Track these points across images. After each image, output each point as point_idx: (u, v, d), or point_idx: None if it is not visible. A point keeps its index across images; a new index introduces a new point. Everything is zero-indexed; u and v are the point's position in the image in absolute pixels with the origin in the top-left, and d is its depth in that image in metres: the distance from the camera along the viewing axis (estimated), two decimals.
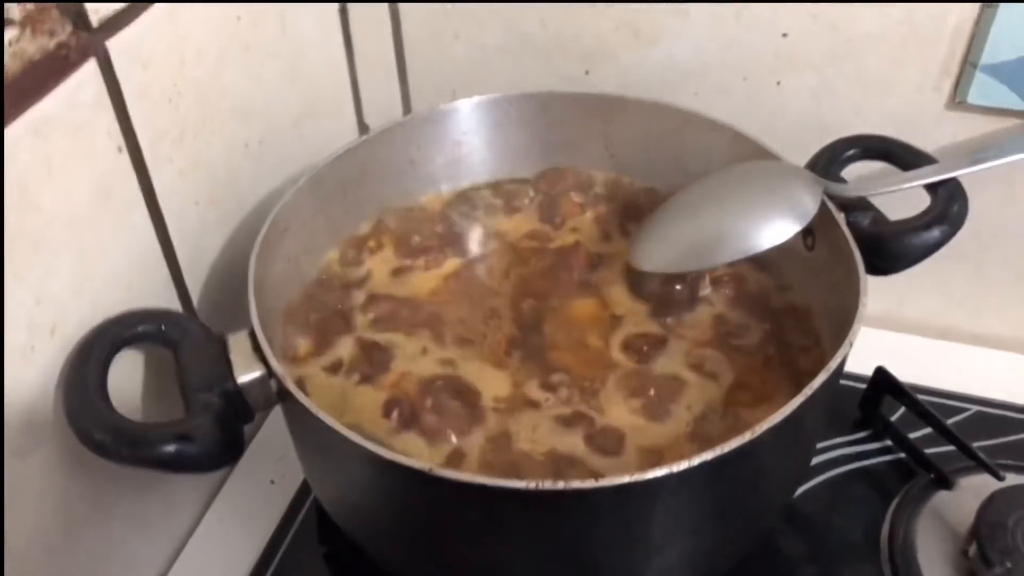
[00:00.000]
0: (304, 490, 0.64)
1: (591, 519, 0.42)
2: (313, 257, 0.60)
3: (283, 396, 0.47)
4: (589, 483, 0.39)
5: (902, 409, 0.66)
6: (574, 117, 0.64)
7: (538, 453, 0.49)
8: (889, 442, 0.66)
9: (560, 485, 0.39)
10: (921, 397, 0.64)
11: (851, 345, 0.46)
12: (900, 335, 0.73)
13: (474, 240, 0.63)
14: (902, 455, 0.65)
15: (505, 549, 0.44)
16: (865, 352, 0.65)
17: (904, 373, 0.66)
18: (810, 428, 0.48)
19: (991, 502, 0.57)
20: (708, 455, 0.40)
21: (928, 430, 0.65)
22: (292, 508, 0.63)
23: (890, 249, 0.53)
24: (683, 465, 0.40)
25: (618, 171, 0.65)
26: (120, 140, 0.51)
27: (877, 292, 0.76)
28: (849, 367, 0.63)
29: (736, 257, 0.53)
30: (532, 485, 0.39)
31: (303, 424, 0.47)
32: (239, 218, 0.63)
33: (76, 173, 0.48)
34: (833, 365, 0.44)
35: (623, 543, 0.44)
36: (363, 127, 0.77)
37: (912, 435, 0.65)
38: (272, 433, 0.69)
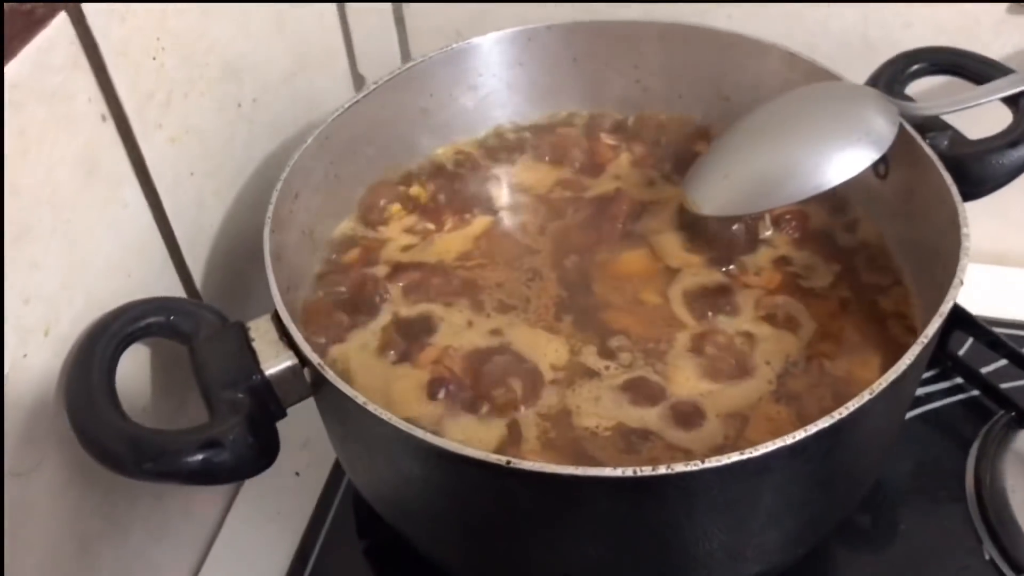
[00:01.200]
0: (334, 478, 0.59)
1: (689, 503, 0.37)
2: (327, 227, 0.54)
3: (319, 387, 0.42)
4: (694, 465, 0.34)
5: (968, 343, 0.62)
6: (601, 49, 0.58)
7: (604, 428, 0.44)
8: (959, 380, 0.61)
9: (661, 470, 0.34)
10: (994, 329, 0.60)
11: (961, 283, 0.41)
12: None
13: (501, 194, 0.57)
14: (975, 392, 0.60)
15: (585, 540, 0.39)
16: None
17: (965, 303, 0.61)
18: (917, 376, 0.43)
19: None
20: (824, 423, 0.35)
21: (999, 364, 0.60)
22: (323, 500, 0.58)
23: (974, 171, 0.48)
24: (797, 436, 0.35)
25: (653, 107, 0.59)
26: (103, 106, 0.44)
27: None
28: None
29: (809, 194, 0.47)
30: (629, 472, 0.34)
31: (347, 417, 0.41)
32: (238, 188, 0.56)
33: (56, 147, 0.41)
34: (946, 308, 0.39)
35: (723, 526, 0.38)
36: (358, 78, 0.70)
37: (983, 370, 0.60)
38: (290, 419, 0.63)
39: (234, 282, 0.55)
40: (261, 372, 0.41)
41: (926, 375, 0.62)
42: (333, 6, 0.65)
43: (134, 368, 0.48)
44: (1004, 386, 0.59)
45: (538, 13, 0.63)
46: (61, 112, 0.41)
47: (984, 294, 0.64)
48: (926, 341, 0.38)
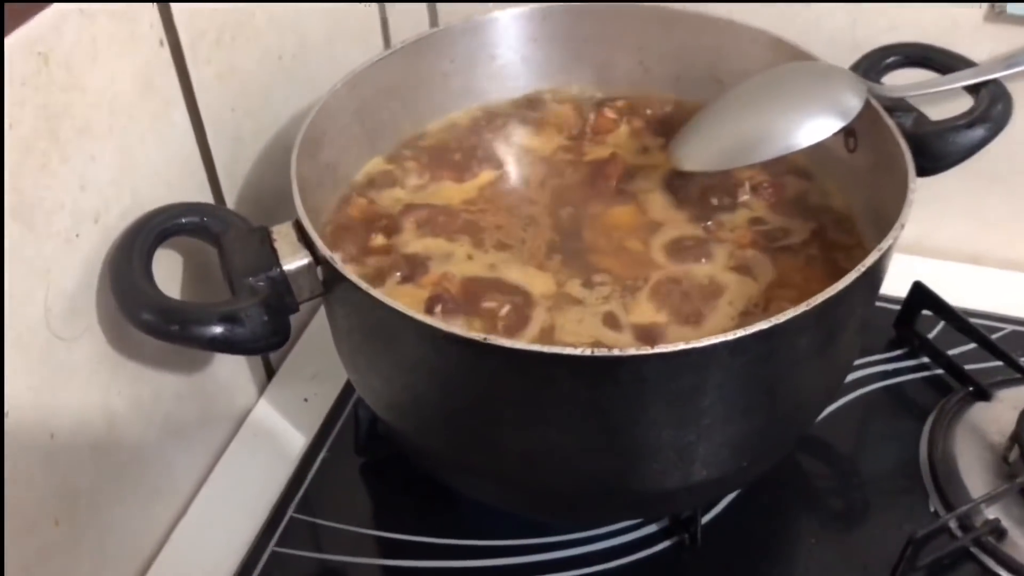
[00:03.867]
0: (339, 406, 0.64)
1: (640, 390, 0.42)
2: (349, 167, 0.60)
3: (330, 285, 0.47)
4: (644, 350, 0.39)
5: (938, 327, 0.66)
6: (609, 30, 0.64)
7: (581, 343, 0.49)
8: (924, 359, 0.66)
9: (615, 352, 0.39)
10: (963, 317, 0.64)
11: (902, 227, 0.46)
12: (933, 260, 0.73)
13: (508, 153, 0.63)
14: (937, 372, 0.65)
15: (553, 426, 0.44)
16: (898, 275, 0.65)
17: (943, 295, 0.65)
18: (858, 315, 0.48)
19: None
20: (763, 324, 0.40)
21: (962, 347, 0.65)
22: (327, 422, 0.63)
23: (934, 148, 0.53)
24: (737, 334, 0.40)
25: (653, 86, 0.65)
26: (161, 32, 0.50)
27: (919, 219, 0.76)
28: (883, 289, 0.65)
29: (780, 153, 0.52)
30: (587, 352, 0.39)
31: (352, 309, 0.47)
32: (273, 132, 0.63)
33: (119, 59, 0.47)
34: (886, 244, 0.44)
35: (672, 419, 0.43)
36: None
37: (950, 352, 0.64)
38: (303, 353, 0.69)
39: (260, 213, 0.61)
40: (280, 266, 0.46)
41: (895, 352, 0.66)
42: None
43: (170, 281, 0.54)
44: (967, 367, 0.63)
45: None
46: (126, 30, 0.48)
47: (961, 289, 0.69)
48: (864, 269, 0.43)
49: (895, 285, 0.66)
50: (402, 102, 0.62)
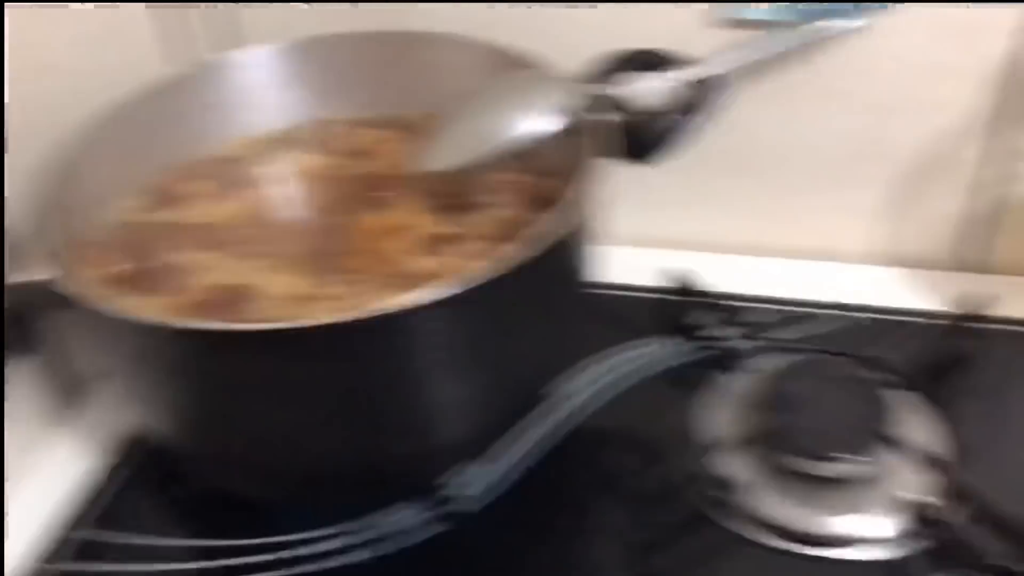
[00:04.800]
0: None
1: (350, 356, 0.45)
2: (109, 195, 0.61)
3: (63, 301, 0.49)
4: (310, 321, 0.42)
5: (705, 312, 0.71)
6: (359, 58, 0.68)
7: None
8: (695, 342, 0.69)
9: (292, 325, 0.42)
10: (725, 302, 0.70)
11: (576, 204, 0.50)
12: (707, 254, 0.77)
13: (273, 176, 0.66)
14: (706, 353, 0.69)
15: (269, 406, 0.46)
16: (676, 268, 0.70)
17: (724, 284, 0.71)
18: (556, 290, 0.51)
19: (774, 375, 0.62)
20: (444, 292, 0.43)
21: (736, 331, 0.69)
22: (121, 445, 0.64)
23: (646, 135, 0.58)
24: (428, 297, 0.43)
25: (414, 105, 0.69)
26: None
27: (684, 217, 0.81)
28: (663, 280, 0.69)
29: (502, 150, 0.57)
30: (266, 327, 0.42)
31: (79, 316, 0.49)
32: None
33: None
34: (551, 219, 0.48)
35: (381, 384, 0.46)
36: None
37: (719, 335, 0.69)
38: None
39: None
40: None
41: (670, 338, 0.70)
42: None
43: None
44: (727, 345, 0.68)
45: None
46: None
47: (728, 278, 0.73)
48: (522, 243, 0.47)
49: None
50: (165, 134, 0.64)
